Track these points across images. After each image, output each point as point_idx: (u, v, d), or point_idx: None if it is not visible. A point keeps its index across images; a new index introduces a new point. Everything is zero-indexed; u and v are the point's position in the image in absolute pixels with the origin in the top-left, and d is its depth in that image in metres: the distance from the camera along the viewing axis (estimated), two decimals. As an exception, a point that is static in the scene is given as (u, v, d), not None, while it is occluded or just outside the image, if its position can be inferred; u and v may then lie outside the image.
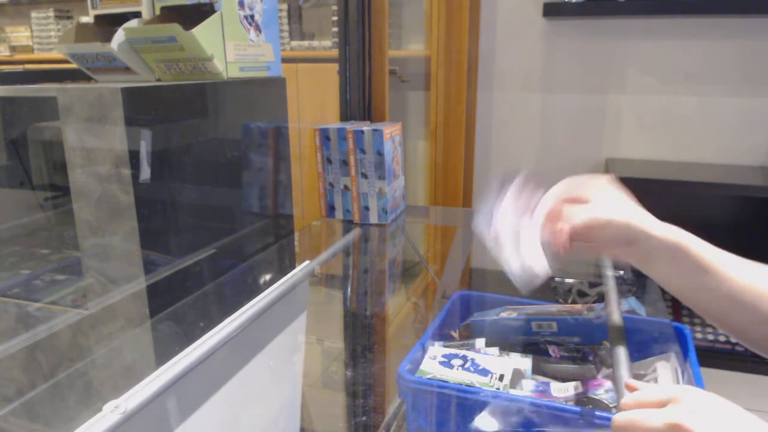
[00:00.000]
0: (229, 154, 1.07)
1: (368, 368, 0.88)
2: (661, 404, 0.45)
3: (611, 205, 0.61)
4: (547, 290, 1.21)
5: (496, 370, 0.66)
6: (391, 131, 1.48)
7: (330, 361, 0.96)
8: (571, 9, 2.13)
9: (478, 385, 0.63)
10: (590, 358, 0.74)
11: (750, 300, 0.54)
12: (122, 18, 0.99)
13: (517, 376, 0.67)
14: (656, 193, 1.94)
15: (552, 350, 0.75)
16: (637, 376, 0.64)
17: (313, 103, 2.23)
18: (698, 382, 0.63)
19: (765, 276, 0.56)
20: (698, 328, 2.06)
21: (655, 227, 0.59)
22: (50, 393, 0.81)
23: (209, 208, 1.03)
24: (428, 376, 0.65)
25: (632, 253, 0.60)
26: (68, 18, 3.62)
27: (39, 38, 3.62)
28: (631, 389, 0.50)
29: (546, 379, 0.70)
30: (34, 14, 3.59)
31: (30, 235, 1.17)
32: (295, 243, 1.36)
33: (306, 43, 2.85)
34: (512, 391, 0.64)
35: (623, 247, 0.60)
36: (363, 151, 1.43)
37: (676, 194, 2.00)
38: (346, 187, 1.49)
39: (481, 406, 0.61)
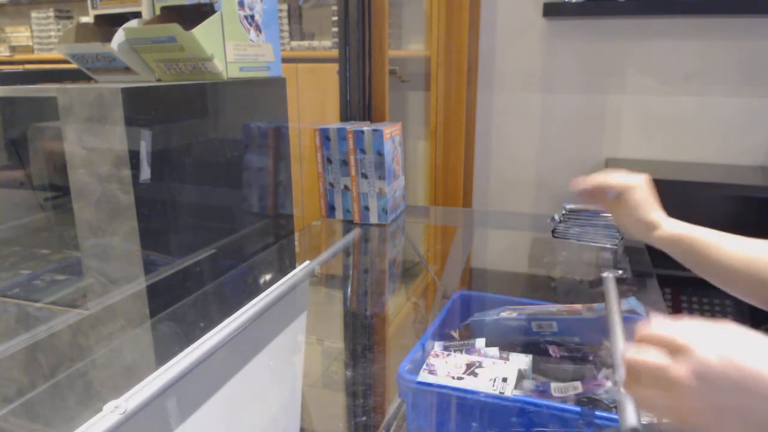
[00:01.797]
0: (229, 154, 1.07)
1: (368, 368, 0.88)
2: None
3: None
4: (547, 290, 1.21)
5: (499, 373, 0.66)
6: (391, 131, 1.48)
7: (330, 361, 0.96)
8: (571, 9, 2.13)
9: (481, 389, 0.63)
10: (590, 358, 0.74)
11: (743, 268, 0.67)
12: (122, 18, 0.99)
13: (518, 376, 0.67)
14: (656, 193, 1.93)
15: (552, 350, 0.75)
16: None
17: (313, 103, 2.23)
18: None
19: (753, 248, 0.69)
20: (698, 328, 2.05)
21: (666, 223, 0.77)
22: (50, 393, 0.81)
23: (209, 208, 1.03)
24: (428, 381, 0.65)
25: (643, 234, 0.78)
26: (68, 18, 3.62)
27: (39, 38, 3.62)
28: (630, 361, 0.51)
29: (546, 379, 0.70)
30: (34, 14, 3.59)
31: (30, 235, 1.17)
32: (295, 243, 1.36)
33: (306, 43, 2.85)
34: (513, 391, 0.64)
35: (641, 226, 0.78)
36: (363, 151, 1.43)
37: (676, 194, 2.00)
38: (346, 187, 1.49)
39: (481, 406, 0.61)
